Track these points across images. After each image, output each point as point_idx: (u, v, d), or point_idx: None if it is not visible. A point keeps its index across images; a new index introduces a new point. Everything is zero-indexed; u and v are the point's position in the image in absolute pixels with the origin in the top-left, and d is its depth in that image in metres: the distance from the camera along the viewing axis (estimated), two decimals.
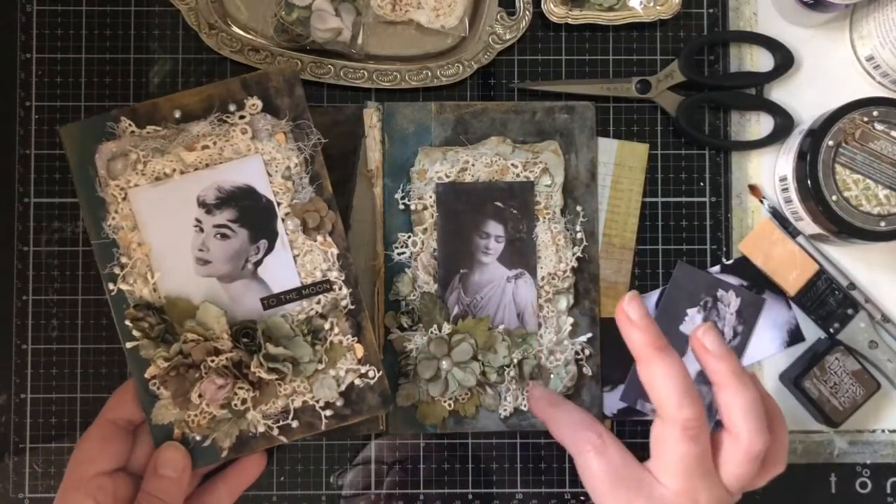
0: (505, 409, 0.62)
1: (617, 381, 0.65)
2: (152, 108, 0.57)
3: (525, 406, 0.62)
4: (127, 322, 0.56)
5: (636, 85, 0.65)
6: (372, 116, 0.63)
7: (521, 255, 0.63)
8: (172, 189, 0.56)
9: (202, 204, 0.57)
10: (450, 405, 0.62)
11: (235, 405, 0.56)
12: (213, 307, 0.56)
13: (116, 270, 0.56)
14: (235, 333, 0.56)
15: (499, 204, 0.63)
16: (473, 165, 0.63)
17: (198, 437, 0.56)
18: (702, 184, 0.66)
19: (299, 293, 0.57)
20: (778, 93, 0.66)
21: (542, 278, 0.63)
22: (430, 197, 0.63)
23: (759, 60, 0.66)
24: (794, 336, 0.66)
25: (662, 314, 0.65)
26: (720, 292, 0.65)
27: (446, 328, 0.62)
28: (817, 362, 0.63)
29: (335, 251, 0.57)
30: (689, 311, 0.65)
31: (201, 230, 0.57)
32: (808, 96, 0.66)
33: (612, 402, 0.65)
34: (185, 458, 0.56)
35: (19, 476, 0.64)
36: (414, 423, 0.63)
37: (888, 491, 0.65)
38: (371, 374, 0.57)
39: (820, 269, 0.65)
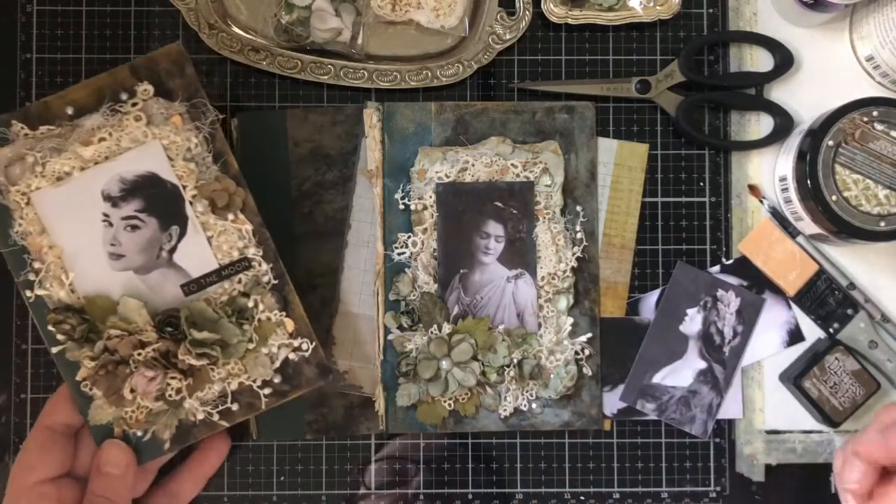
0: (505, 409, 0.62)
1: (617, 381, 0.65)
2: (44, 108, 0.56)
3: (525, 407, 0.62)
4: (50, 327, 0.55)
5: (636, 85, 0.65)
6: (372, 116, 0.63)
7: (521, 255, 0.63)
8: (75, 187, 0.56)
9: (107, 198, 0.56)
10: (450, 405, 0.62)
11: (170, 395, 0.55)
12: (132, 300, 0.55)
13: (31, 277, 0.55)
14: (159, 324, 0.55)
15: (499, 204, 0.63)
16: (473, 165, 0.63)
17: (139, 433, 0.56)
18: (702, 184, 0.66)
19: (219, 275, 0.56)
20: (778, 93, 0.66)
21: (542, 278, 0.63)
22: (430, 197, 0.63)
23: (758, 60, 0.66)
24: (794, 336, 0.66)
25: (662, 314, 0.65)
26: (720, 292, 0.65)
27: (446, 328, 0.62)
28: (817, 362, 0.63)
29: (249, 227, 0.56)
30: (688, 310, 0.65)
31: (110, 224, 0.56)
32: (807, 96, 0.66)
33: (612, 402, 0.65)
34: (127, 454, 0.55)
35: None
36: (414, 422, 0.63)
37: None
38: (305, 346, 0.57)
39: (820, 269, 0.65)
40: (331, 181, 0.64)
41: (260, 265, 0.57)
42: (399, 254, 0.63)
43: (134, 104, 0.56)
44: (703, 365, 0.65)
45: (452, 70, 0.65)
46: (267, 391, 0.56)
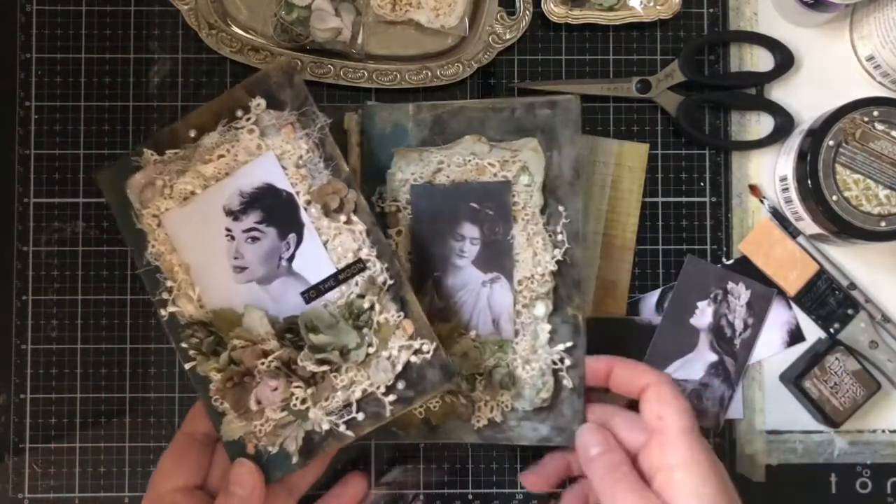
0: (478, 420, 0.59)
1: None
2: (170, 134, 0.58)
3: (499, 418, 0.59)
4: (183, 343, 0.56)
5: (636, 85, 0.65)
6: (351, 120, 0.61)
7: (497, 257, 0.59)
8: (199, 205, 0.57)
9: (229, 212, 0.57)
10: (420, 412, 0.59)
11: (295, 405, 0.55)
12: (255, 310, 0.56)
13: (165, 295, 0.57)
14: (279, 332, 0.56)
15: (474, 205, 0.60)
16: (448, 166, 0.60)
17: (269, 448, 0.55)
18: (702, 184, 0.66)
19: (336, 279, 0.56)
20: (778, 93, 0.66)
21: (519, 282, 0.59)
22: (404, 198, 0.60)
23: (759, 60, 0.66)
24: (795, 336, 0.66)
25: (673, 307, 0.65)
26: (730, 285, 0.65)
27: None
28: (818, 362, 0.63)
29: (362, 227, 0.56)
30: (699, 303, 0.65)
31: (232, 238, 0.57)
32: (808, 96, 0.66)
33: (614, 401, 0.64)
34: (254, 475, 0.54)
35: (19, 476, 0.64)
36: (386, 431, 0.59)
37: (888, 491, 0.65)
38: (425, 347, 0.55)
39: (820, 269, 0.65)
40: None
41: (374, 265, 0.56)
42: None
43: (248, 119, 0.57)
44: (714, 358, 0.65)
45: (452, 70, 0.65)
46: (391, 398, 0.55)
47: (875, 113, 0.60)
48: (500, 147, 0.60)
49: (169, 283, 0.57)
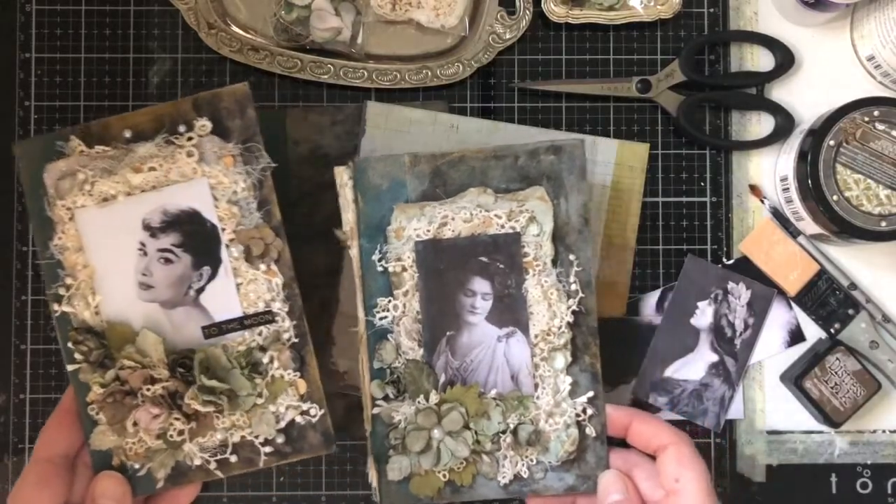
0: (504, 477, 0.57)
1: (617, 381, 0.65)
2: (103, 128, 0.55)
3: (525, 473, 0.57)
4: (69, 344, 0.55)
5: (636, 85, 0.65)
6: (343, 174, 0.58)
7: (511, 311, 0.57)
8: (118, 211, 0.55)
9: (147, 227, 0.55)
10: (444, 475, 0.57)
11: (171, 436, 0.54)
12: (151, 334, 0.55)
13: (61, 291, 0.55)
14: (172, 363, 0.54)
15: (483, 259, 0.57)
16: (453, 220, 0.57)
17: (136, 466, 0.55)
18: (702, 184, 0.66)
19: (241, 323, 0.55)
20: (778, 92, 0.66)
21: (536, 336, 0.57)
22: (409, 257, 0.57)
23: (759, 60, 0.66)
24: (795, 336, 0.66)
25: (673, 308, 0.65)
26: (731, 285, 0.65)
27: (434, 397, 0.57)
28: (818, 362, 0.63)
29: (279, 280, 0.55)
30: (699, 303, 0.65)
31: (145, 254, 0.55)
32: (808, 96, 0.66)
33: (615, 400, 0.64)
34: (122, 485, 0.54)
35: (19, 476, 0.64)
36: (408, 495, 0.57)
37: (889, 491, 0.65)
38: (313, 412, 0.56)
39: (821, 269, 0.65)
40: (330, 181, 0.64)
41: (283, 321, 0.56)
42: (381, 318, 0.57)
43: (189, 139, 0.55)
44: (714, 358, 0.65)
45: (452, 69, 0.65)
46: (268, 449, 0.55)
47: (875, 113, 0.59)
48: (506, 198, 0.58)
49: (68, 281, 0.55)
